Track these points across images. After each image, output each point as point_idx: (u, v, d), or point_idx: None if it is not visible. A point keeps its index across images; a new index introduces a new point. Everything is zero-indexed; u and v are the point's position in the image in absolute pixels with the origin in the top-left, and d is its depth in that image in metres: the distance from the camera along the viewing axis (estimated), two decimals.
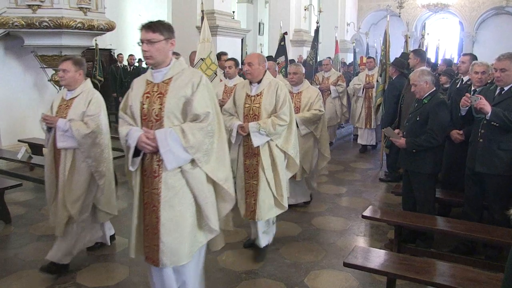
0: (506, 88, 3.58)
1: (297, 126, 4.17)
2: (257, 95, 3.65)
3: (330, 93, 8.44)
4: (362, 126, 8.37)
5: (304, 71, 4.95)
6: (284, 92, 3.62)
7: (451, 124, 4.18)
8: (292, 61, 9.44)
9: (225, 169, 2.64)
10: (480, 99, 3.52)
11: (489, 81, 4.06)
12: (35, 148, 6.63)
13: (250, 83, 3.70)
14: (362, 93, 8.32)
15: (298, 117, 4.51)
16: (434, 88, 3.96)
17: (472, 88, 4.16)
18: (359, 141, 8.57)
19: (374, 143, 8.51)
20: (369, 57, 8.90)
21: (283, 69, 7.54)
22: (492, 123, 3.51)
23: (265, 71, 3.69)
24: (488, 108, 3.49)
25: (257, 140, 3.56)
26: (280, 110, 3.57)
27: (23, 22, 5.94)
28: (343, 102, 8.62)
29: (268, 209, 3.64)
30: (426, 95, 3.94)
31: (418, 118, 3.93)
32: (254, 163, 3.65)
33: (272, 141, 3.60)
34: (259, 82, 3.66)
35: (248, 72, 3.63)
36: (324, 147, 4.97)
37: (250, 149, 3.65)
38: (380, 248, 3.75)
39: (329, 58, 9.20)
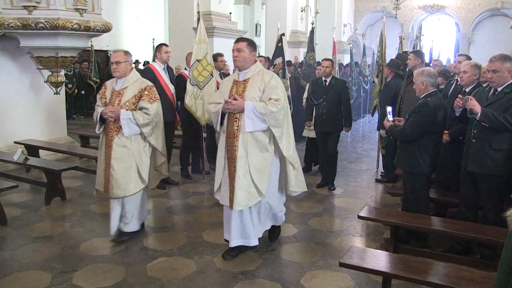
0: (499, 89, 3.61)
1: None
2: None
3: None
4: None
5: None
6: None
7: (443, 125, 4.20)
8: (289, 62, 9.41)
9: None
10: (471, 99, 3.55)
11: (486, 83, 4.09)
12: (31, 149, 6.61)
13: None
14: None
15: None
16: (433, 90, 3.95)
17: (464, 89, 4.20)
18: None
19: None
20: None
21: (281, 70, 7.50)
22: (482, 123, 3.54)
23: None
24: (478, 108, 3.52)
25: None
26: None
27: (19, 23, 5.91)
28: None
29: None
30: (422, 96, 3.95)
31: (407, 116, 4.00)
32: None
33: None
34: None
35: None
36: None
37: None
38: (376, 248, 3.77)
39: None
